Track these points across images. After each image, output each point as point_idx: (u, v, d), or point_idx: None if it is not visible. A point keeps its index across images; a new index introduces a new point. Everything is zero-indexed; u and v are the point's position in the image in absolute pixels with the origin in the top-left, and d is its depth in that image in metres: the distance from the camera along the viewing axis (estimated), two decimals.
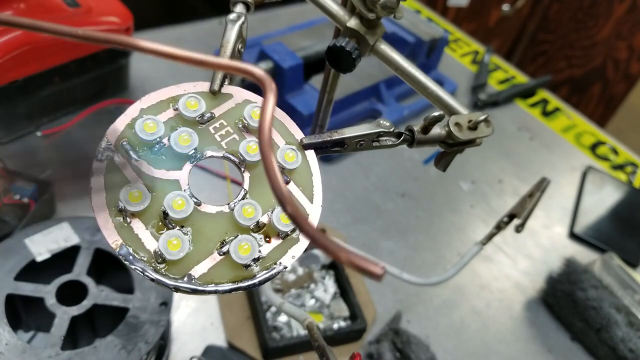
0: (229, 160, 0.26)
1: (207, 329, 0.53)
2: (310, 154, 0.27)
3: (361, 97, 0.79)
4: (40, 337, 0.48)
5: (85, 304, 0.42)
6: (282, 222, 0.24)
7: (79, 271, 0.44)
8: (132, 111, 0.25)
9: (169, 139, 0.25)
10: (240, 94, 0.28)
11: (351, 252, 0.15)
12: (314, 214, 0.26)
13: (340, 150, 0.28)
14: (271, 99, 0.18)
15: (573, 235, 0.74)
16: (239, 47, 0.29)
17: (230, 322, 0.53)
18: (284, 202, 0.16)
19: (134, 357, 0.39)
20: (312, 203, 0.26)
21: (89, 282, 0.43)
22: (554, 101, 0.99)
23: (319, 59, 0.77)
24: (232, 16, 0.29)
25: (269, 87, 0.18)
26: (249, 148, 0.26)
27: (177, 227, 0.23)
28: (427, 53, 0.87)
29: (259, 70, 0.18)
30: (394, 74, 0.31)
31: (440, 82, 0.91)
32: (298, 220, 0.16)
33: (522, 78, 1.02)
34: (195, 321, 0.53)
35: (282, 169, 0.26)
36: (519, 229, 0.42)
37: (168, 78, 0.65)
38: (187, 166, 0.25)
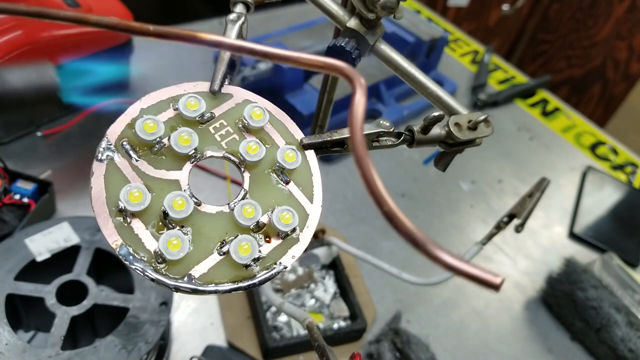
0: (229, 160, 0.26)
1: (207, 329, 0.53)
2: (310, 154, 0.27)
3: None
4: (40, 337, 0.48)
5: (86, 304, 0.42)
6: (282, 222, 0.24)
7: (79, 271, 0.44)
8: (132, 111, 0.25)
9: (169, 139, 0.25)
10: (240, 94, 0.28)
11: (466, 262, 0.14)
12: (313, 214, 0.26)
13: (340, 150, 0.28)
14: (360, 93, 0.16)
15: (573, 235, 0.74)
16: None
17: (230, 322, 0.53)
18: (382, 202, 0.15)
19: (134, 357, 0.39)
20: (312, 203, 0.26)
21: (89, 282, 0.43)
22: (554, 101, 0.99)
23: None
24: (232, 16, 0.29)
25: (357, 82, 0.17)
26: (249, 148, 0.26)
27: (177, 227, 0.23)
28: (427, 53, 0.87)
29: (344, 65, 0.17)
30: (394, 74, 0.31)
31: (440, 82, 0.91)
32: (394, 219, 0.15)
33: (521, 78, 1.02)
34: (195, 321, 0.53)
35: (282, 169, 0.26)
36: (518, 229, 0.42)
37: (168, 78, 0.65)
38: (187, 166, 0.25)
